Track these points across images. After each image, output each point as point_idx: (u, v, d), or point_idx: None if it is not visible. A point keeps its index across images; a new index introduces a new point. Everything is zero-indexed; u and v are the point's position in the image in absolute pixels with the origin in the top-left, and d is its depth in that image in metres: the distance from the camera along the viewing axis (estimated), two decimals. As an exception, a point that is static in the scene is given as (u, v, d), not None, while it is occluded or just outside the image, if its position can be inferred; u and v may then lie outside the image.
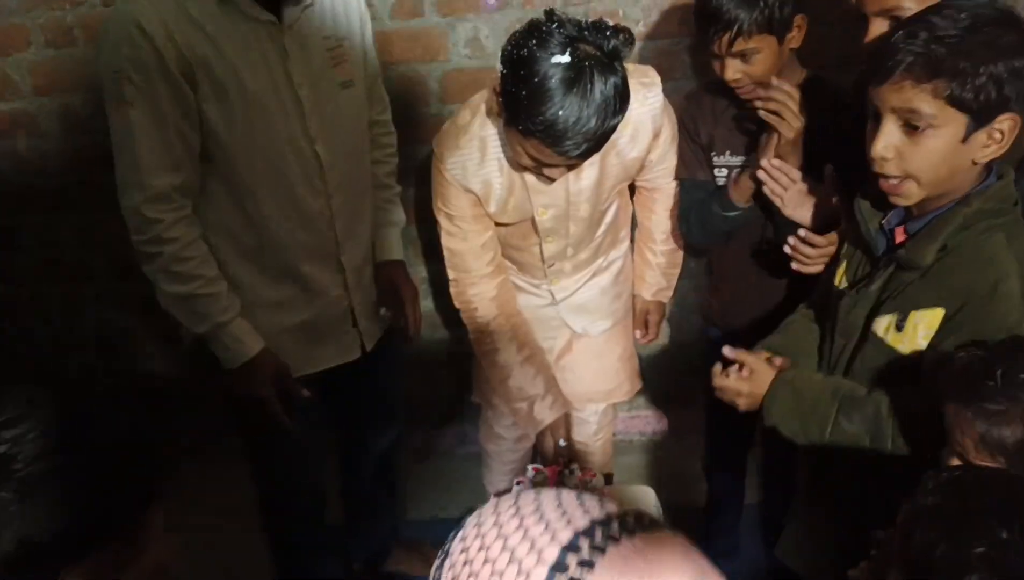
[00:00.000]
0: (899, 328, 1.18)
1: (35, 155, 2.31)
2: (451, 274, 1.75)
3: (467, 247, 1.67)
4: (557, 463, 1.63)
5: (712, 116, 1.74)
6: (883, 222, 1.25)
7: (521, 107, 1.33)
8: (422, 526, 2.34)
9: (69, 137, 2.28)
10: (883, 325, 1.21)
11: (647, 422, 2.58)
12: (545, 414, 1.72)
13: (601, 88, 1.31)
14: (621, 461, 2.53)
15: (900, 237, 1.22)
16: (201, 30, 1.41)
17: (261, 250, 1.61)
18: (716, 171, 1.76)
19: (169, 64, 1.39)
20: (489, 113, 1.57)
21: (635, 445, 2.59)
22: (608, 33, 1.33)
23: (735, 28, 1.50)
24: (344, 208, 1.66)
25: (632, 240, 1.97)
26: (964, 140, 1.09)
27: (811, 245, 1.45)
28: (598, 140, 1.37)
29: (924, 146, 1.10)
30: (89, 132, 2.25)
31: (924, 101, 1.08)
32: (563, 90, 1.29)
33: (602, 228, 1.78)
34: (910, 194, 1.16)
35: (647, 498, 1.62)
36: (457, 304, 1.78)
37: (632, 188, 1.89)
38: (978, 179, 1.16)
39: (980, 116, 1.07)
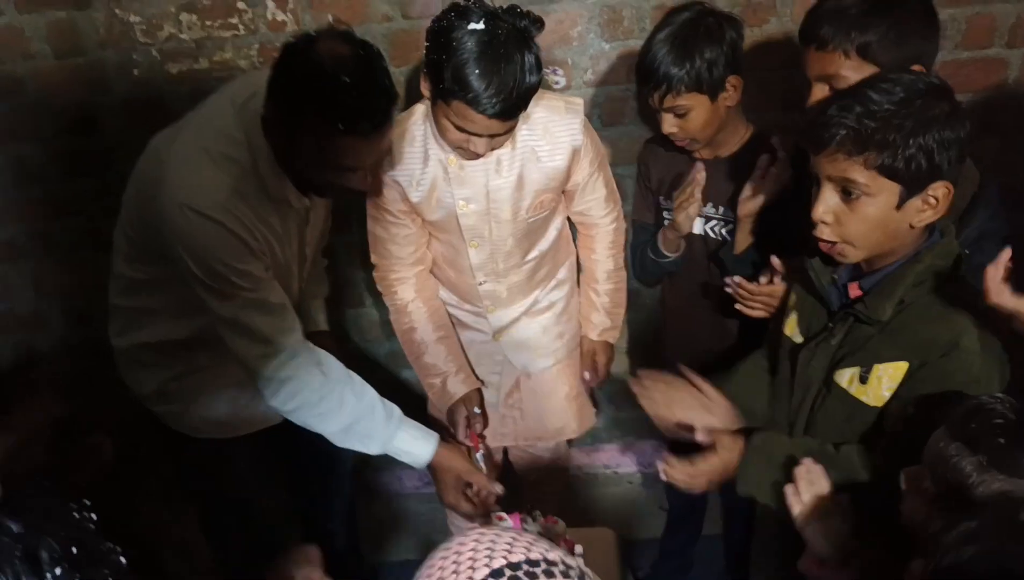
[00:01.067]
0: (863, 380, 1.22)
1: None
2: (374, 259, 1.87)
3: (389, 236, 1.79)
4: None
5: (663, 163, 1.82)
6: (835, 277, 1.29)
7: (443, 72, 1.46)
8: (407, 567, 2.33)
9: (21, 187, 2.26)
10: (846, 377, 1.25)
11: (610, 456, 2.61)
12: (457, 388, 1.86)
13: (514, 53, 1.45)
14: (584, 494, 2.56)
15: (855, 292, 1.26)
16: (253, 211, 1.51)
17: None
18: (665, 213, 1.83)
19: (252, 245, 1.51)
20: (422, 105, 1.67)
21: (599, 479, 2.61)
22: (519, 13, 1.50)
23: (664, 85, 1.59)
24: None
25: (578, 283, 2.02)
26: (898, 207, 1.15)
27: (746, 290, 1.52)
28: (513, 100, 1.48)
29: (859, 213, 1.16)
30: (40, 181, 2.25)
31: (857, 172, 1.14)
32: (478, 51, 1.44)
33: (534, 253, 1.83)
34: (848, 255, 1.22)
35: (606, 538, 1.65)
36: (379, 287, 1.91)
37: (575, 232, 1.96)
38: (923, 237, 1.22)
39: (912, 185, 1.13)
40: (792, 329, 1.39)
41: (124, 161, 2.18)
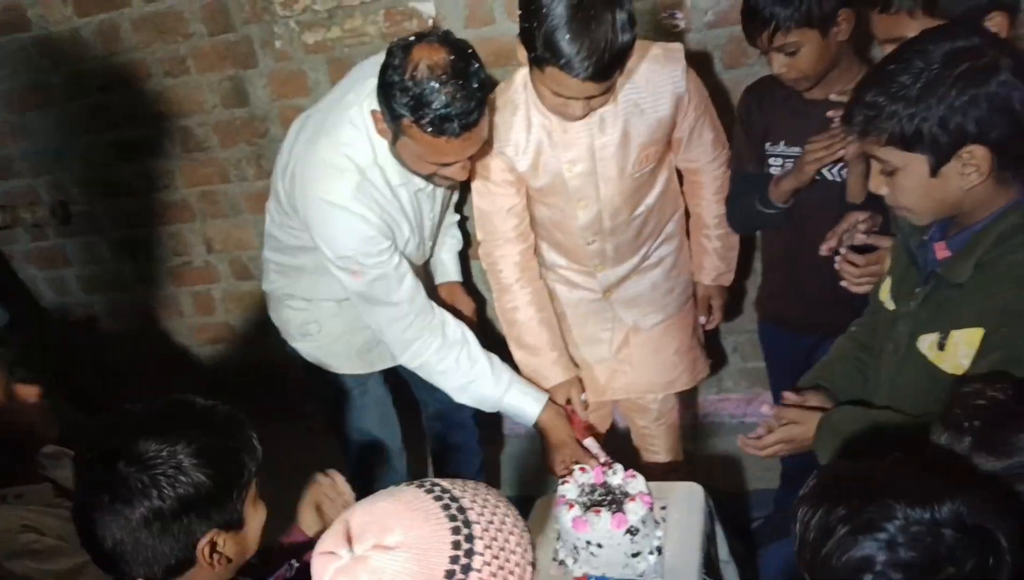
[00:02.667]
0: (941, 347, 1.17)
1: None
2: (479, 235, 1.89)
3: (495, 209, 1.80)
4: (603, 462, 1.70)
5: (771, 105, 1.75)
6: (924, 238, 1.23)
7: (535, 40, 1.47)
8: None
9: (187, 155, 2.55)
10: (927, 343, 1.20)
11: (736, 405, 2.59)
12: (557, 373, 1.87)
13: (604, 12, 1.44)
14: (710, 443, 2.57)
15: (941, 253, 1.20)
16: (378, 198, 1.66)
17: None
18: (771, 160, 1.76)
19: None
20: (523, 71, 1.68)
21: (725, 427, 2.61)
22: None
23: (772, 24, 1.53)
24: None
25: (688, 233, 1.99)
26: (934, 174, 1.10)
27: (854, 264, 1.48)
28: (607, 61, 1.47)
29: (900, 185, 1.14)
30: (203, 149, 2.51)
31: (877, 150, 1.12)
32: (567, 15, 1.43)
33: (641, 208, 1.81)
34: (915, 219, 1.19)
35: (694, 494, 1.67)
36: (484, 264, 1.92)
37: (682, 180, 1.92)
38: (1010, 192, 1.13)
39: (936, 152, 1.08)
40: (885, 294, 1.33)
41: (275, 127, 2.44)
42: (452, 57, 1.46)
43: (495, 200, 1.80)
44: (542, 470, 1.89)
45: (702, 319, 2.03)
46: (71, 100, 2.53)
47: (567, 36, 1.44)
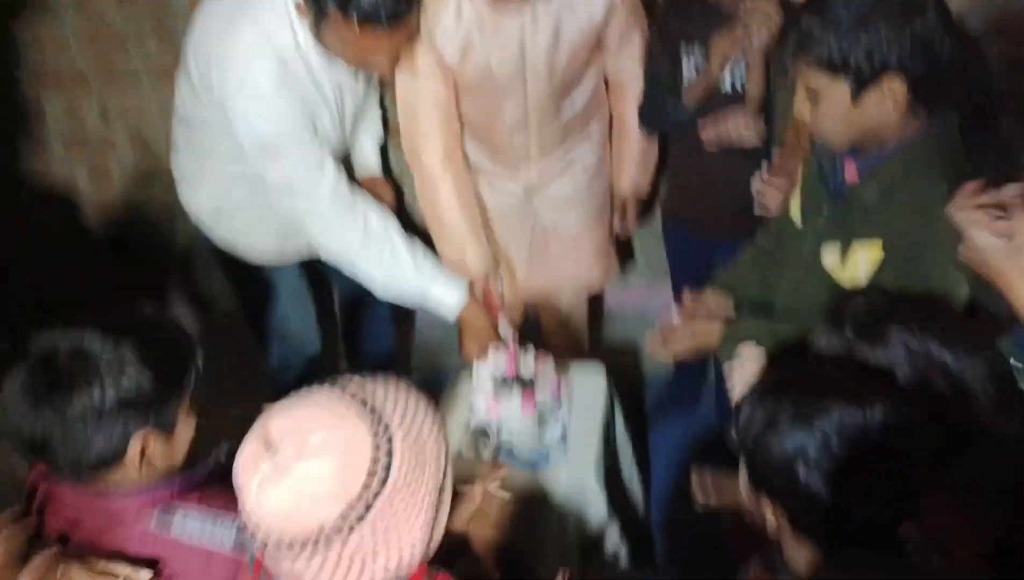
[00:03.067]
0: (843, 258, 1.28)
1: None
2: (403, 126, 1.89)
3: (420, 101, 1.81)
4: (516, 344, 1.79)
5: (687, 9, 1.78)
6: (835, 158, 1.32)
7: None
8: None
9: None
10: (829, 256, 1.31)
11: (638, 295, 2.72)
12: (475, 261, 1.92)
13: None
14: (615, 331, 2.71)
15: (852, 176, 1.29)
16: (298, 87, 1.65)
17: None
18: (684, 62, 1.81)
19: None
20: None
21: (629, 316, 2.74)
22: None
23: None
24: None
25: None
26: (854, 102, 1.18)
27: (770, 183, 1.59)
28: None
29: (822, 111, 1.22)
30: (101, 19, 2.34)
31: (807, 73, 1.20)
32: None
33: (568, 109, 1.84)
34: (833, 147, 1.28)
35: (596, 373, 1.79)
36: (406, 155, 1.94)
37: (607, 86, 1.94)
38: (920, 124, 1.22)
39: (858, 78, 1.15)
40: (795, 210, 1.43)
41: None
42: None
43: (420, 93, 1.78)
44: (454, 341, 1.95)
45: (617, 225, 2.09)
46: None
47: None
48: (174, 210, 2.12)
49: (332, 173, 1.70)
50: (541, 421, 1.58)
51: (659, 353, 1.55)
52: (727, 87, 1.77)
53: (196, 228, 2.00)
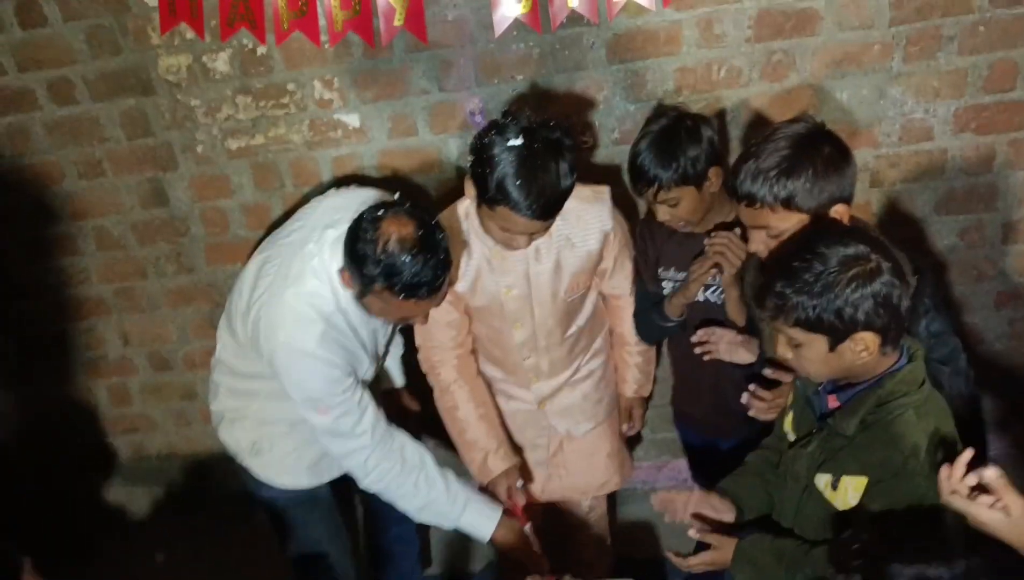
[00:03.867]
0: (834, 487, 1.39)
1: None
2: (418, 342, 2.03)
3: (435, 322, 1.92)
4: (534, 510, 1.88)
5: (660, 238, 1.97)
6: (820, 387, 1.44)
7: (487, 183, 1.64)
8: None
9: (104, 252, 2.52)
10: (822, 482, 1.41)
11: (647, 473, 2.79)
12: (497, 464, 2.01)
13: (549, 162, 1.64)
14: (622, 509, 2.75)
15: (832, 403, 1.42)
16: (341, 340, 1.77)
17: None
18: (664, 282, 1.99)
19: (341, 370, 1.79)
20: (464, 202, 1.85)
21: (636, 494, 2.80)
22: (552, 126, 1.68)
23: (656, 184, 1.76)
24: None
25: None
26: (832, 350, 1.32)
27: (761, 399, 1.71)
28: (551, 204, 1.66)
29: (803, 356, 1.36)
30: (121, 248, 2.50)
31: (786, 330, 1.34)
32: (517, 164, 1.62)
33: (572, 328, 1.99)
34: (814, 380, 1.41)
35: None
36: (423, 368, 2.06)
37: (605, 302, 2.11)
38: (891, 361, 1.36)
39: (834, 335, 1.30)
40: (789, 426, 1.54)
41: (196, 226, 2.46)
42: (421, 231, 1.59)
43: (435, 314, 1.90)
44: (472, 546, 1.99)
45: (625, 427, 2.22)
46: (-25, 199, 2.47)
47: (517, 182, 1.61)
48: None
49: (372, 414, 1.82)
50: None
51: (678, 564, 1.62)
52: (713, 298, 1.93)
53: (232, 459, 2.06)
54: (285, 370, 1.74)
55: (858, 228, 1.38)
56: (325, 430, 1.81)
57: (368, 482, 1.86)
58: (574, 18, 2.09)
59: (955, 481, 1.16)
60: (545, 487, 2.14)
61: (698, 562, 1.57)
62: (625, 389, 2.18)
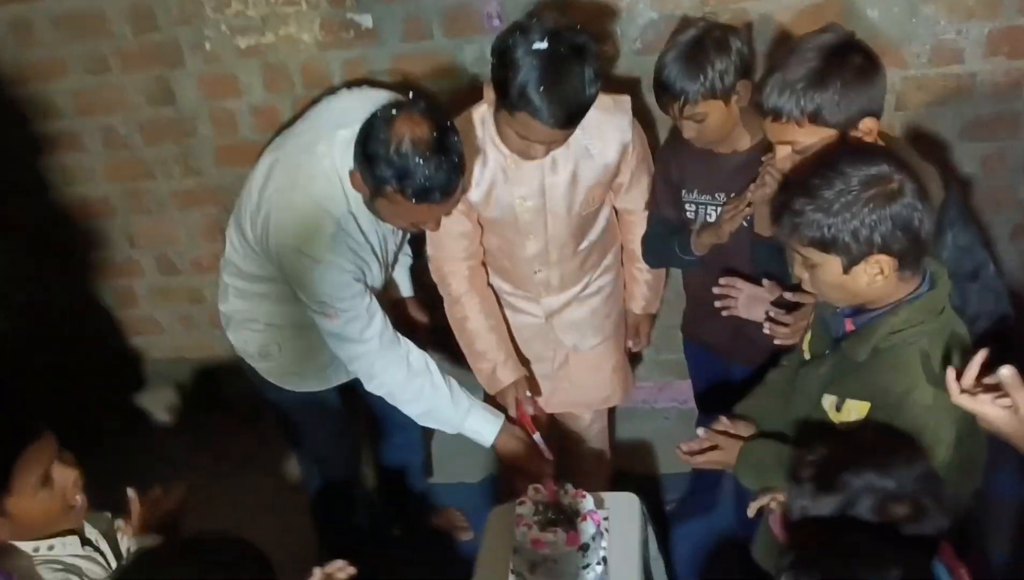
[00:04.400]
0: (838, 409, 1.39)
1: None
2: (430, 251, 2.00)
3: (446, 231, 1.87)
4: (551, 478, 1.87)
5: (685, 158, 1.89)
6: (839, 309, 1.42)
7: (508, 88, 1.58)
8: (450, 489, 2.64)
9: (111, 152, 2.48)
10: (828, 402, 1.41)
11: (649, 392, 2.82)
12: (506, 375, 2.01)
13: (573, 67, 1.58)
14: (623, 427, 2.79)
15: (849, 327, 1.40)
16: (352, 244, 1.74)
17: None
18: (687, 206, 1.92)
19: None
20: (480, 108, 1.80)
21: (638, 413, 2.83)
22: (578, 30, 1.62)
23: (682, 97, 1.68)
24: None
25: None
26: (846, 272, 1.29)
27: (783, 324, 1.68)
28: (574, 111, 1.61)
29: (817, 277, 1.33)
30: (127, 148, 2.46)
31: (801, 249, 1.31)
32: (541, 69, 1.56)
33: (585, 243, 1.96)
34: (832, 304, 1.39)
35: (632, 505, 1.87)
36: (435, 278, 2.04)
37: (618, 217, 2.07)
38: (910, 286, 1.33)
39: (848, 256, 1.27)
40: (806, 345, 1.53)
41: (203, 127, 2.41)
42: (435, 133, 1.54)
43: (447, 224, 1.86)
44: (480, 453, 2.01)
45: (630, 343, 2.21)
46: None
47: (540, 88, 1.55)
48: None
49: (379, 320, 1.81)
50: (584, 556, 1.66)
51: (683, 458, 1.65)
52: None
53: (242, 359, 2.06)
54: (294, 273, 1.73)
55: (883, 146, 1.33)
56: (333, 334, 1.80)
57: (374, 385, 1.87)
58: (598, -79, 2.01)
59: (966, 382, 1.15)
60: (549, 400, 2.16)
61: (704, 460, 1.59)
62: (633, 305, 2.16)
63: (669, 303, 2.46)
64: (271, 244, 1.73)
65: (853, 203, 1.23)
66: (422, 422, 1.94)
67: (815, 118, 1.44)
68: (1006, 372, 1.10)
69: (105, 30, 2.27)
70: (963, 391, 1.15)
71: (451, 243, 1.94)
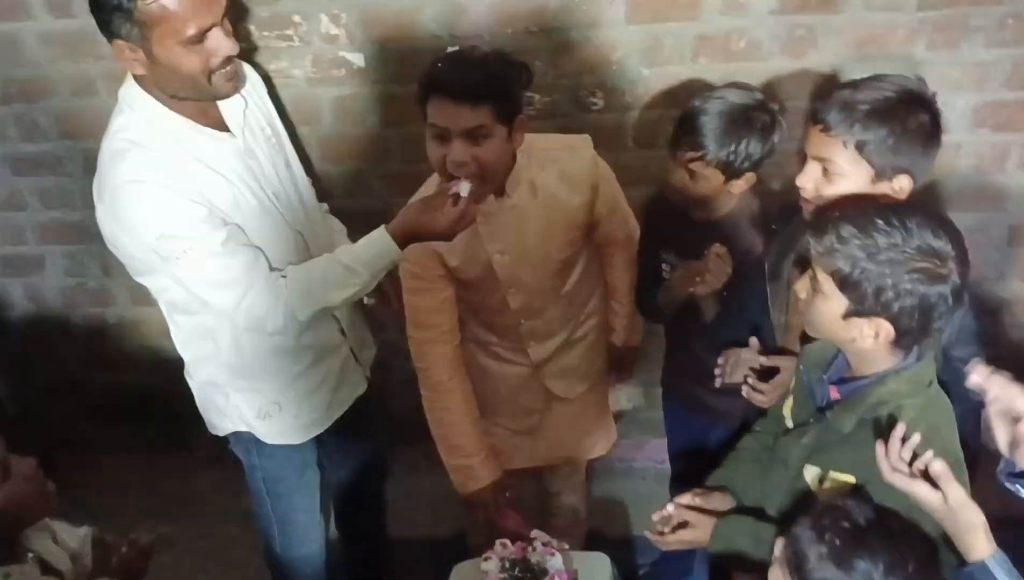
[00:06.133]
0: (821, 482, 1.35)
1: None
2: (410, 331, 1.91)
3: (431, 303, 1.84)
4: (523, 534, 1.80)
5: (666, 219, 1.88)
6: (824, 376, 1.39)
7: (421, 87, 1.61)
8: (414, 545, 2.55)
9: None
10: (811, 474, 1.37)
11: (626, 450, 2.75)
12: (485, 474, 1.92)
13: (483, 54, 1.63)
14: (600, 485, 2.72)
15: (834, 395, 1.36)
16: (171, 168, 1.59)
17: None
18: (663, 265, 1.89)
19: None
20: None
21: (615, 471, 2.77)
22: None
23: (700, 152, 1.66)
24: None
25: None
26: (845, 318, 1.25)
27: (761, 391, 1.65)
28: (479, 81, 1.55)
29: (812, 304, 1.30)
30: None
31: (820, 271, 1.27)
32: (447, 56, 1.64)
33: (568, 285, 1.91)
34: (807, 327, 1.37)
35: (601, 565, 1.80)
36: (415, 362, 1.94)
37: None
38: (899, 357, 1.30)
39: (858, 306, 1.23)
40: (787, 411, 1.49)
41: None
42: None
43: (431, 294, 1.84)
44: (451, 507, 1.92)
45: (614, 377, 2.16)
46: (-40, 109, 2.38)
47: (442, 64, 1.59)
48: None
49: (247, 256, 1.65)
50: (550, 618, 1.59)
51: (653, 540, 1.58)
52: None
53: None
54: (125, 217, 1.55)
55: (954, 226, 1.28)
56: (194, 281, 1.61)
57: (270, 328, 1.68)
58: (595, -27, 2.03)
59: (893, 459, 1.16)
60: (532, 453, 2.09)
61: (675, 539, 1.53)
62: (615, 338, 2.11)
63: (653, 360, 2.43)
64: (101, 213, 1.63)
65: (899, 264, 1.19)
66: (327, 301, 1.69)
67: (861, 148, 1.42)
68: (937, 467, 1.14)
69: (95, 53, 2.26)
70: (894, 470, 1.15)
71: (432, 318, 1.87)
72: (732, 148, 1.64)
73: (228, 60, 1.59)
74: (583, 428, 2.11)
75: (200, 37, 1.52)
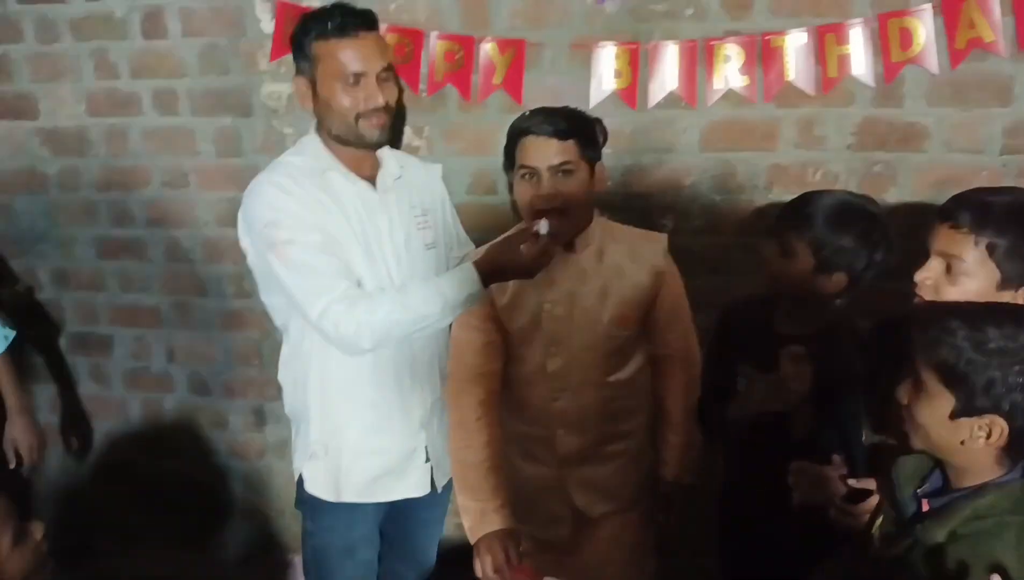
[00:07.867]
0: None
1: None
2: (450, 366, 1.88)
3: (472, 343, 1.82)
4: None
5: (745, 329, 1.81)
6: (918, 490, 1.27)
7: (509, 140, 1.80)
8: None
9: (171, 265, 2.53)
10: None
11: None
12: (497, 520, 1.78)
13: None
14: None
15: (925, 507, 1.24)
16: (304, 189, 1.75)
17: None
18: (739, 379, 1.79)
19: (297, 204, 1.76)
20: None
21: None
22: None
23: (805, 230, 1.62)
24: (423, 351, 1.88)
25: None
26: (953, 418, 1.15)
27: (851, 514, 1.50)
28: (566, 119, 1.72)
29: (919, 408, 1.20)
30: (188, 262, 2.51)
31: (925, 368, 1.18)
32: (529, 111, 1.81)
33: (612, 377, 1.83)
34: (911, 436, 1.23)
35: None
36: (447, 398, 1.90)
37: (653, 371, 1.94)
38: (1001, 469, 1.19)
39: (967, 403, 1.14)
40: (876, 528, 1.36)
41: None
42: None
43: (476, 333, 1.83)
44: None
45: (660, 518, 2.00)
46: (65, 191, 2.53)
47: (528, 113, 1.76)
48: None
49: (336, 265, 1.74)
50: None
51: None
52: None
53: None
54: (246, 208, 1.76)
55: None
56: (295, 269, 1.68)
57: (369, 334, 1.68)
58: (671, 99, 2.08)
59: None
60: (558, 573, 1.93)
61: None
62: (665, 471, 1.95)
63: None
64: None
65: (1009, 356, 1.11)
66: (412, 326, 1.70)
67: (992, 250, 1.36)
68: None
69: (191, 149, 2.40)
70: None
71: (471, 357, 1.84)
72: (831, 232, 1.60)
73: (378, 110, 1.73)
74: (615, 555, 1.93)
75: (356, 80, 1.71)
